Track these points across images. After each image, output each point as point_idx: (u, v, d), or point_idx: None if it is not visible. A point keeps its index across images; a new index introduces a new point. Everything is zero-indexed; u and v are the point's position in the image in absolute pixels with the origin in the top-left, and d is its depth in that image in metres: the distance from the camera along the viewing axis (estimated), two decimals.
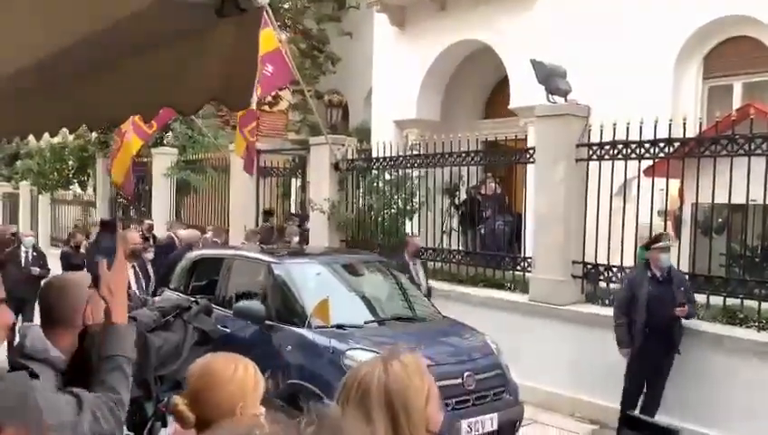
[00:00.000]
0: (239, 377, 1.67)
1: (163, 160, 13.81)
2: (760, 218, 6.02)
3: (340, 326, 5.44)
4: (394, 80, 11.67)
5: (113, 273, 1.86)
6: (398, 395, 1.47)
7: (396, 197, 9.13)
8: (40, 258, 9.55)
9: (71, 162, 17.77)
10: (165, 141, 14.83)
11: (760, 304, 5.70)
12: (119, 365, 1.70)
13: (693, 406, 5.69)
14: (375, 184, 9.33)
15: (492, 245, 8.94)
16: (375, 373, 1.50)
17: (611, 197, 6.73)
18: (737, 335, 5.66)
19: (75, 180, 18.26)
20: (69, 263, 9.35)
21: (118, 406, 1.66)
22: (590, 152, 6.86)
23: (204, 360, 1.71)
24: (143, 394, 1.81)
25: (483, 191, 9.61)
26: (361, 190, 9.50)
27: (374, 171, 9.33)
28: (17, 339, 1.97)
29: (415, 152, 8.89)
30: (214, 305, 5.33)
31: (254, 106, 8.67)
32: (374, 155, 9.32)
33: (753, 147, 5.74)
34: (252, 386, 1.68)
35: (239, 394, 1.65)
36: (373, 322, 5.84)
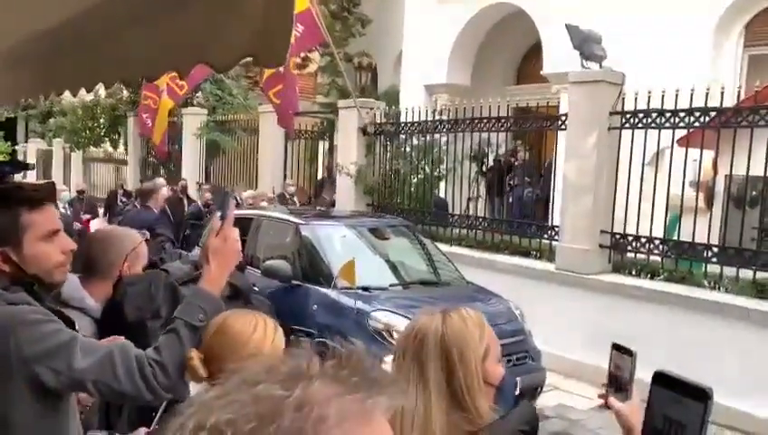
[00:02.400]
0: (256, 338, 1.64)
1: (193, 121, 13.89)
2: None
3: (365, 288, 5.50)
4: (425, 43, 11.52)
5: (221, 239, 1.69)
6: (456, 345, 1.48)
7: (423, 162, 9.10)
8: (89, 205, 9.90)
9: (102, 120, 17.99)
10: (195, 102, 14.90)
11: None
12: (174, 328, 1.61)
13: (717, 377, 5.67)
14: (402, 149, 9.30)
15: (518, 212, 8.90)
16: (433, 323, 1.51)
17: (643, 166, 6.62)
18: (766, 309, 5.59)
19: (107, 138, 18.49)
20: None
21: (153, 367, 1.57)
22: (624, 120, 6.73)
23: (222, 317, 1.67)
24: None
25: (515, 158, 9.54)
26: (389, 155, 9.48)
27: (402, 136, 9.28)
28: None
29: (443, 117, 8.82)
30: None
31: (281, 68, 8.60)
32: (402, 119, 9.27)
33: None
34: (268, 346, 1.64)
35: (254, 356, 1.60)
36: (398, 285, 5.89)
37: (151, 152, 15.82)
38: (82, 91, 2.88)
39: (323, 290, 5.53)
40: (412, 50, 11.96)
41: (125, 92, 15.75)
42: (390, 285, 5.80)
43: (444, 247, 7.45)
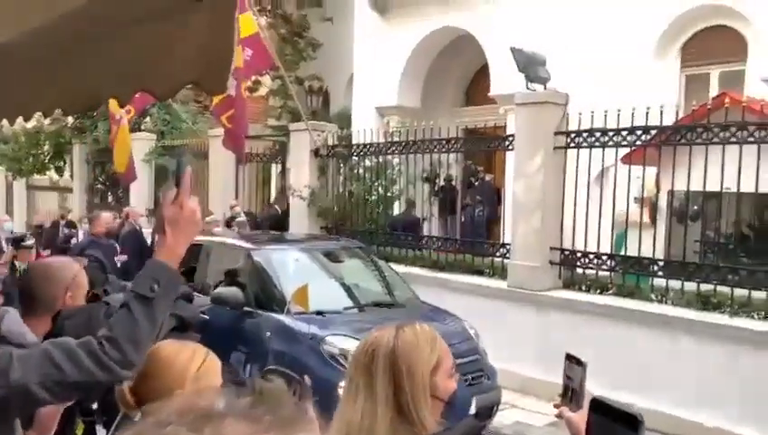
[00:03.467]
0: (180, 365, 1.61)
1: (141, 146, 13.64)
2: (734, 206, 6.13)
3: (319, 312, 5.45)
4: (375, 66, 11.64)
5: (177, 207, 1.58)
6: (404, 358, 1.49)
7: (376, 183, 9.13)
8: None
9: (46, 147, 17.51)
10: (143, 127, 14.66)
11: (733, 291, 5.80)
12: (126, 302, 1.53)
13: (665, 388, 5.80)
14: (355, 171, 9.33)
15: (471, 231, 9.00)
16: (385, 337, 1.53)
17: (589, 184, 6.79)
18: (710, 320, 5.77)
19: (51, 166, 18.00)
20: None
21: (103, 344, 1.47)
22: (568, 140, 6.91)
23: (156, 344, 1.63)
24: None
25: (474, 178, 9.71)
26: (342, 177, 9.49)
27: (354, 158, 9.32)
28: None
29: (395, 139, 8.89)
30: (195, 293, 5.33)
31: (232, 92, 8.55)
32: (354, 141, 9.30)
33: (727, 135, 5.82)
34: (193, 372, 1.61)
35: (178, 382, 1.60)
36: (353, 308, 5.86)
37: (99, 178, 15.46)
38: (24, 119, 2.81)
39: (276, 316, 5.46)
40: (363, 73, 12.07)
41: (70, 119, 15.38)
42: (345, 309, 5.77)
43: (399, 268, 7.47)
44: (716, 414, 5.52)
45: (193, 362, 1.63)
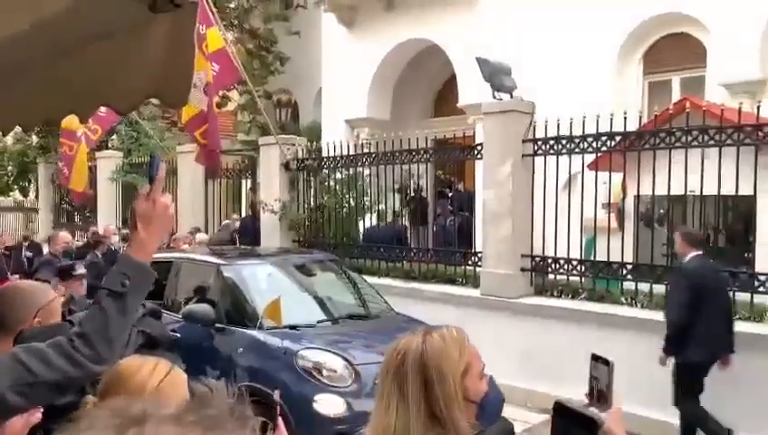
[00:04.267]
0: (141, 378, 1.59)
1: (108, 164, 13.47)
2: (698, 208, 6.25)
3: (292, 327, 5.41)
4: (343, 79, 11.66)
5: (149, 203, 1.58)
6: (433, 362, 1.50)
7: (348, 196, 9.12)
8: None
9: (10, 168, 17.16)
10: (109, 144, 14.46)
11: None
12: (97, 299, 1.52)
13: (641, 390, 5.86)
14: (326, 183, 9.30)
15: (443, 241, 9.03)
16: (414, 343, 1.54)
17: (557, 191, 6.88)
18: None
19: (15, 186, 17.64)
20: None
21: (74, 340, 1.46)
22: (536, 148, 6.99)
23: (120, 361, 1.63)
24: (79, 397, 1.71)
25: (450, 189, 9.78)
26: (313, 190, 9.46)
27: (325, 170, 9.30)
28: None
29: (365, 151, 8.90)
30: (163, 310, 5.25)
31: (204, 108, 8.48)
32: (324, 154, 9.29)
33: (689, 139, 5.95)
34: (154, 388, 1.59)
35: (139, 395, 1.54)
36: (326, 321, 5.82)
37: (65, 199, 15.17)
38: None
39: (249, 332, 5.39)
40: (331, 86, 12.08)
41: (34, 138, 15.12)
42: (318, 322, 5.73)
43: (372, 280, 7.46)
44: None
45: (154, 376, 1.60)
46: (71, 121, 8.76)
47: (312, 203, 9.45)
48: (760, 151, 5.69)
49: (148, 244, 1.59)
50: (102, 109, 9.33)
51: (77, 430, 0.59)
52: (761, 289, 5.62)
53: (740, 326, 5.55)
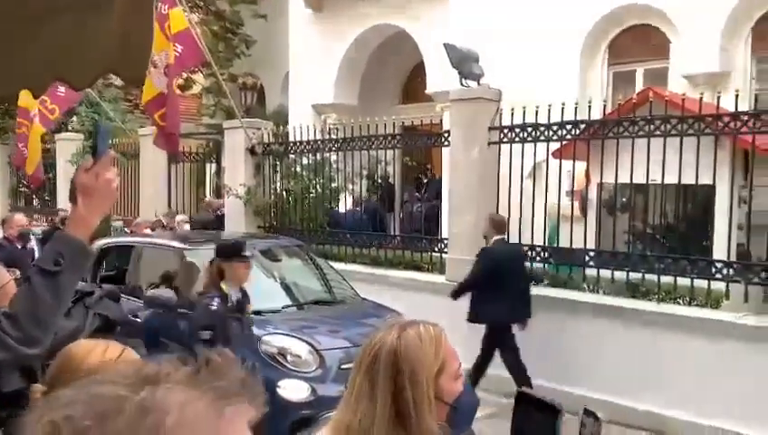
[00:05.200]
0: (91, 363, 1.52)
1: (68, 147, 13.13)
2: (660, 197, 6.36)
3: (257, 312, 5.34)
4: (311, 63, 11.54)
5: (91, 176, 1.47)
6: (407, 360, 1.45)
7: (314, 181, 9.06)
8: None
9: None
10: (70, 127, 14.09)
11: (659, 278, 6.03)
12: (28, 277, 1.44)
13: (599, 375, 5.98)
14: (293, 169, 9.22)
15: (410, 227, 9.05)
16: (389, 338, 1.49)
17: (522, 178, 6.92)
18: (639, 308, 5.98)
19: None
20: None
21: (0, 321, 1.39)
22: (502, 135, 7.03)
23: (69, 345, 1.55)
24: (28, 385, 1.64)
25: (424, 175, 9.79)
26: (279, 175, 9.36)
27: (292, 155, 9.21)
28: None
29: (333, 136, 8.84)
30: (124, 295, 5.16)
31: (164, 90, 8.31)
32: (291, 139, 9.19)
33: (651, 128, 6.04)
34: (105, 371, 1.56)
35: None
36: (291, 306, 5.79)
37: (23, 181, 14.76)
38: None
39: None
40: (298, 70, 11.95)
41: None
42: (284, 307, 5.69)
43: (338, 265, 7.43)
44: (647, 398, 5.72)
45: (106, 359, 1.55)
46: (26, 100, 8.49)
47: (278, 188, 9.36)
48: (719, 142, 5.81)
49: (87, 220, 1.49)
50: (61, 89, 9.17)
51: (80, 385, 0.59)
52: (717, 276, 5.76)
53: (697, 313, 5.70)
